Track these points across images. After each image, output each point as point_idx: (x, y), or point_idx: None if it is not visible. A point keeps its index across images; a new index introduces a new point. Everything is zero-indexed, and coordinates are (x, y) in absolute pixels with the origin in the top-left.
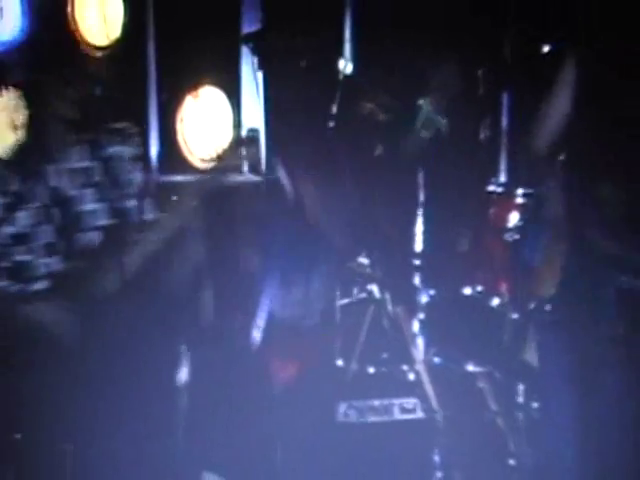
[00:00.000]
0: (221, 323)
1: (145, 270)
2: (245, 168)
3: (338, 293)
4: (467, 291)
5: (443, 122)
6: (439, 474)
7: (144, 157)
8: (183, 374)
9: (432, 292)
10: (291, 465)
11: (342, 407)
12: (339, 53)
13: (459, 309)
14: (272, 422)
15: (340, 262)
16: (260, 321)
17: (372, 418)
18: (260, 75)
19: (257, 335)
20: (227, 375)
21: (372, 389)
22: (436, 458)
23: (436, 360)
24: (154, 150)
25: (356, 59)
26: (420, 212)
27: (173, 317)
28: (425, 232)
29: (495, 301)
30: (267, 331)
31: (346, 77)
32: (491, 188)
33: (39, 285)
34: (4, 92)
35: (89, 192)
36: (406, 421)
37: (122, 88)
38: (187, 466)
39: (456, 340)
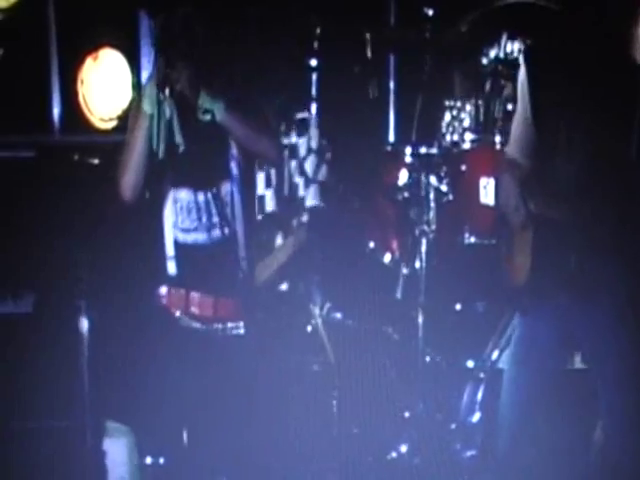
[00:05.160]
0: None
1: None
2: None
3: None
4: (359, 247)
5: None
6: (337, 426)
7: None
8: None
9: (326, 249)
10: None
11: None
12: None
13: (352, 265)
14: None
15: None
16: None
17: None
18: None
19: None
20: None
21: None
22: (333, 410)
23: (332, 315)
24: (56, 111)
25: None
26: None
27: None
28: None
29: (387, 257)
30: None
31: None
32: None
33: None
34: None
35: None
36: None
37: (23, 50)
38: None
39: (351, 295)
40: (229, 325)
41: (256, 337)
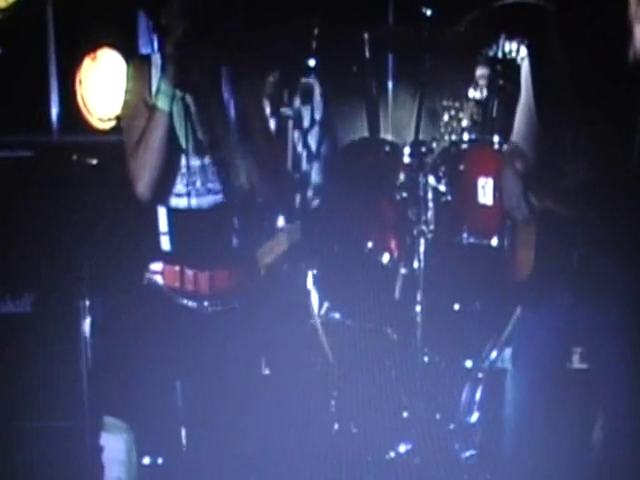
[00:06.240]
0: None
1: None
2: None
3: None
4: (358, 247)
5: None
6: (336, 425)
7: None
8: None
9: (325, 248)
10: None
11: None
12: None
13: (351, 265)
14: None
15: None
16: None
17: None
18: (156, 37)
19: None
20: None
21: None
22: (332, 410)
23: (331, 315)
24: (54, 111)
25: None
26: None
27: None
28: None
29: (385, 257)
30: None
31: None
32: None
33: None
34: None
35: None
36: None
37: (21, 50)
38: None
39: (349, 295)
40: (225, 300)
41: (251, 310)
